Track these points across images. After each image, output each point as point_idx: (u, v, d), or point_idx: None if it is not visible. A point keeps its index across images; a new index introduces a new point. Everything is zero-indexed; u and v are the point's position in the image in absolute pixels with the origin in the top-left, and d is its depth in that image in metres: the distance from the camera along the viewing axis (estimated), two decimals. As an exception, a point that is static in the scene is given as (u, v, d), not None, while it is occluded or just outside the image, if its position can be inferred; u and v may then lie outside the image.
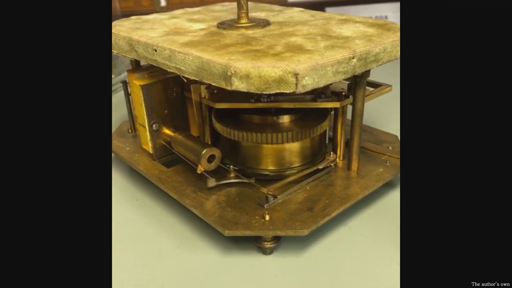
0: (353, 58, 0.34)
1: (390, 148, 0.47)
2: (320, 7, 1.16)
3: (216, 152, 0.41)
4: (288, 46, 0.35)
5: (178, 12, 0.52)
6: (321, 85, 0.33)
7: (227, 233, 0.36)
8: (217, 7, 0.55)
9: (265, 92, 0.32)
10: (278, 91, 0.32)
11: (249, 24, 0.42)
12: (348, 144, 0.44)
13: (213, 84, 0.34)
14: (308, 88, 0.32)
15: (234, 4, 0.55)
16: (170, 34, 0.41)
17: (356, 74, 0.36)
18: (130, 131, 0.53)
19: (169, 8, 1.12)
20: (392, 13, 1.14)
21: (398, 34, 0.39)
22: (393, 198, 0.44)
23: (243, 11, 0.43)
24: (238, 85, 0.32)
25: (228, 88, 0.32)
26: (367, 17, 0.45)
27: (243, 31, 0.41)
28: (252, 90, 0.32)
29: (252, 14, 0.48)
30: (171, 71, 0.38)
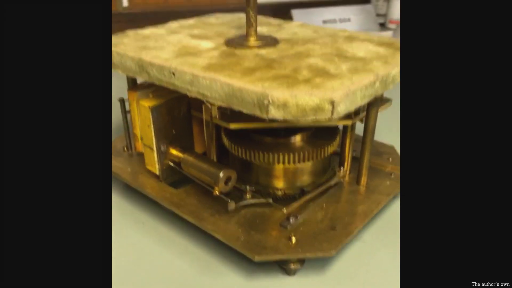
0: (376, 81, 0.35)
1: (390, 159, 0.49)
2: (286, 8, 1.17)
3: (232, 173, 0.40)
4: (312, 69, 0.35)
5: (173, 25, 0.51)
6: (350, 110, 0.34)
7: (257, 258, 0.36)
8: (212, 19, 0.54)
9: (301, 120, 0.32)
10: (314, 118, 0.32)
11: (260, 43, 0.42)
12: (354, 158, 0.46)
13: (244, 111, 0.33)
14: (341, 114, 0.32)
15: (228, 16, 0.55)
16: (183, 54, 0.40)
17: (376, 96, 0.37)
18: (126, 149, 0.51)
19: (131, 8, 1.09)
20: (354, 16, 1.17)
21: (408, 54, 0.40)
22: (397, 208, 0.46)
23: (253, 28, 0.43)
24: (275, 114, 0.32)
25: (264, 116, 0.32)
26: (369, 34, 0.46)
27: (256, 50, 0.41)
28: (289, 118, 0.32)
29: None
30: (192, 95, 0.37)
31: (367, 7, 1.19)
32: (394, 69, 0.38)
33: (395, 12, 1.17)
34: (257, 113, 0.32)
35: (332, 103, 0.31)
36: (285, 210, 0.40)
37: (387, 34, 1.13)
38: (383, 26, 1.21)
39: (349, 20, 1.16)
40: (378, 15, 1.21)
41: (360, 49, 0.41)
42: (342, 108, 0.32)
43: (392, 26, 1.18)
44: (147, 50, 0.41)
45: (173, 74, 0.37)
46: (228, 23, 0.52)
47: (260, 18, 0.54)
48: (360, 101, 0.34)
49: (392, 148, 0.52)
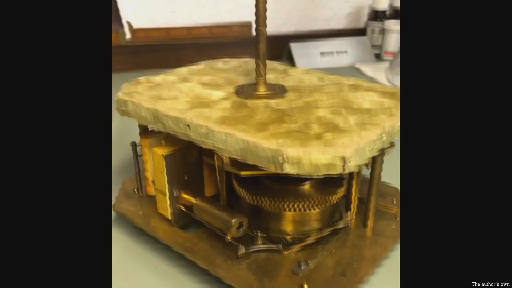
0: (383, 135, 0.37)
1: (394, 201, 0.51)
2: (284, 40, 1.20)
3: (244, 220, 0.42)
4: (322, 123, 0.37)
5: (183, 71, 0.53)
6: (360, 164, 0.35)
7: (271, 306, 0.37)
8: (220, 64, 0.56)
9: (313, 175, 0.33)
10: (326, 174, 0.33)
11: (269, 93, 0.44)
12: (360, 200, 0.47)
13: (259, 165, 0.35)
14: (351, 169, 0.34)
15: (235, 61, 0.57)
16: (197, 105, 0.41)
17: (383, 148, 0.39)
18: (136, 191, 0.52)
19: (133, 41, 1.11)
20: (350, 48, 1.21)
21: (411, 105, 0.42)
22: (402, 250, 0.48)
23: (262, 79, 0.44)
24: (289, 170, 0.33)
25: (279, 172, 0.34)
26: (372, 82, 0.48)
27: (266, 101, 0.43)
28: (302, 174, 0.33)
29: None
30: (206, 147, 0.38)
31: (363, 39, 1.23)
32: (398, 121, 0.39)
33: (390, 44, 1.20)
34: (272, 168, 0.34)
35: (344, 160, 0.33)
36: (285, 253, 0.41)
37: (383, 65, 1.16)
38: (378, 57, 1.25)
39: (345, 52, 1.19)
40: (373, 46, 1.24)
41: (365, 100, 0.43)
42: (353, 164, 0.34)
43: (387, 57, 1.22)
44: (161, 100, 0.43)
45: (189, 126, 0.39)
46: (236, 68, 0.54)
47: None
48: (369, 155, 0.36)
49: (395, 189, 0.54)
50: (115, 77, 1.07)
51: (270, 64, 0.56)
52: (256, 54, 0.43)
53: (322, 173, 0.33)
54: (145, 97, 0.43)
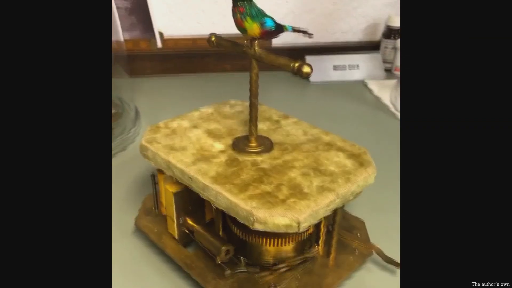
0: (336, 199, 0.49)
1: (359, 235, 0.62)
2: (301, 52, 1.29)
3: (231, 248, 0.54)
4: (291, 186, 0.49)
5: (195, 115, 0.64)
6: (313, 223, 0.47)
7: (242, 318, 0.50)
8: (226, 108, 0.67)
9: (276, 232, 0.45)
10: (285, 231, 0.45)
11: (258, 149, 0.56)
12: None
13: (238, 219, 0.47)
14: (305, 228, 0.46)
15: (241, 105, 0.68)
16: (199, 159, 0.53)
17: (337, 208, 0.50)
18: (154, 209, 0.66)
19: (164, 49, 1.23)
20: (362, 62, 1.29)
21: (369, 169, 0.53)
22: (357, 280, 0.59)
23: (253, 136, 0.56)
24: (258, 227, 0.45)
25: (250, 227, 0.46)
26: (346, 141, 0.59)
27: (254, 157, 0.54)
28: (267, 230, 0.45)
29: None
30: (203, 196, 0.51)
31: (375, 54, 1.31)
32: (354, 186, 0.51)
33: (401, 61, 1.28)
34: (246, 223, 0.46)
35: (299, 222, 0.45)
36: (257, 277, 0.54)
37: (391, 82, 1.24)
38: (389, 72, 1.32)
39: (357, 66, 1.28)
40: (385, 61, 1.32)
41: (333, 162, 0.54)
42: (306, 225, 0.46)
43: (397, 73, 1.29)
44: (173, 151, 0.55)
45: (191, 179, 0.51)
46: (239, 115, 0.65)
47: (264, 110, 0.67)
48: (322, 216, 0.48)
49: (362, 223, 0.65)
50: (147, 81, 1.20)
51: (268, 110, 0.67)
52: (250, 118, 0.55)
53: (282, 230, 0.45)
54: (161, 146, 0.56)
